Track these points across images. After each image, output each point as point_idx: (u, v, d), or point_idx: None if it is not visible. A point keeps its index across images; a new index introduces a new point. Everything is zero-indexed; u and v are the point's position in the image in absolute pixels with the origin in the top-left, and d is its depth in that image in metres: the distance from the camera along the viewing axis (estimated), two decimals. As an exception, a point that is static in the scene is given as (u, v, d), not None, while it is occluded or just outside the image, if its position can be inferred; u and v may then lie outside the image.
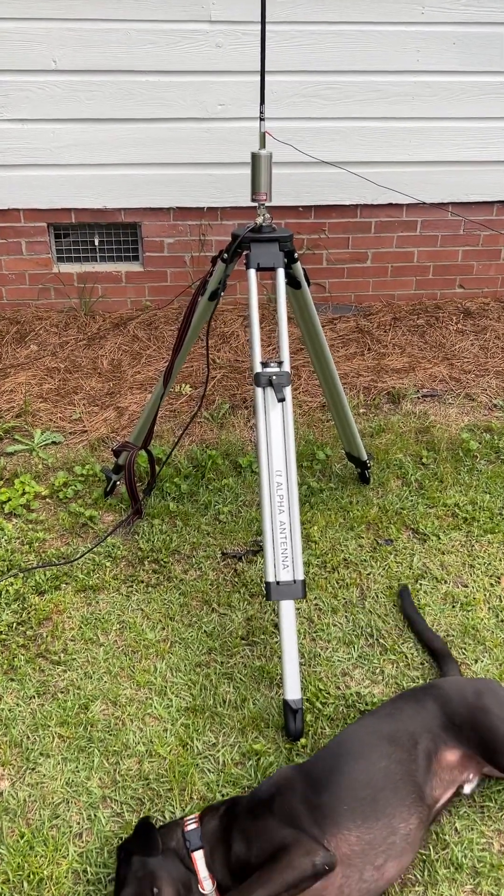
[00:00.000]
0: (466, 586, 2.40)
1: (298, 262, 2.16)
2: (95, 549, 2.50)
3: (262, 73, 2.01)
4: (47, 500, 2.76)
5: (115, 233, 4.00)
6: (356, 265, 4.17)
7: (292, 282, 2.20)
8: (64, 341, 3.80)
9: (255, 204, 2.09)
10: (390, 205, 3.98)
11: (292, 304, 2.32)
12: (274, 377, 1.99)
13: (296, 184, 3.87)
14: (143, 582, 2.40)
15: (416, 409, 3.32)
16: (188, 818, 1.61)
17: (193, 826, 1.58)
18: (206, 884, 1.51)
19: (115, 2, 3.42)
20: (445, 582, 2.41)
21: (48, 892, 1.60)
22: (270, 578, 1.95)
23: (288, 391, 2.00)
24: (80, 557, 2.47)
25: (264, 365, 2.01)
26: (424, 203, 3.96)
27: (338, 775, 1.62)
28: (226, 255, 2.10)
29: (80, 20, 3.46)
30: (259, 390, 2.00)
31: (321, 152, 3.80)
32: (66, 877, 1.63)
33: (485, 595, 2.36)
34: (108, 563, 2.46)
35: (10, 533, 2.58)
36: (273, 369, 2.01)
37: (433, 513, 2.70)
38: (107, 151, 3.73)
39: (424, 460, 2.97)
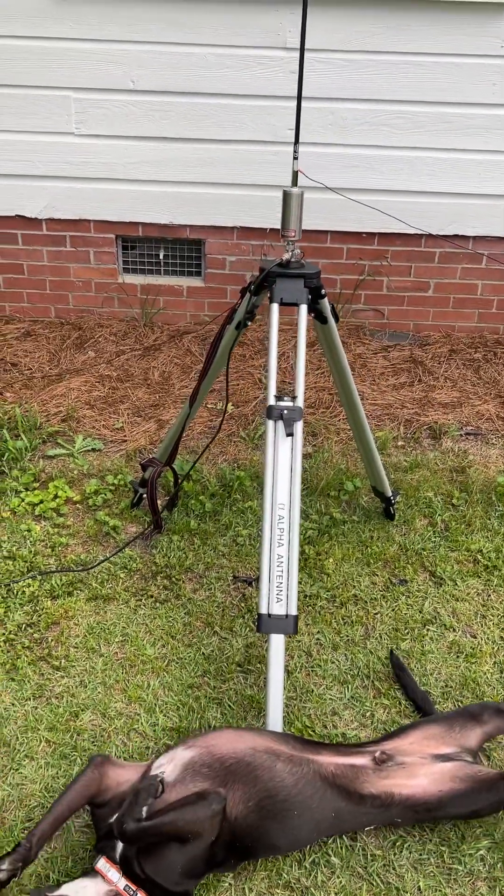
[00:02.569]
0: (475, 637, 2.35)
1: (326, 298, 2.17)
2: (112, 559, 2.58)
3: (298, 112, 2.03)
4: (77, 505, 2.86)
5: (180, 248, 4.10)
6: (417, 294, 4.13)
7: (319, 316, 2.22)
8: (120, 350, 3.92)
9: (285, 241, 2.11)
10: (456, 235, 3.92)
11: (319, 338, 2.33)
12: (286, 411, 2.01)
13: (359, 210, 3.85)
14: (152, 597, 2.46)
15: (456, 447, 3.26)
16: None
17: None
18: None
19: (195, 26, 3.51)
20: (454, 630, 2.37)
21: (10, 892, 1.67)
22: (263, 610, 1.97)
23: (299, 427, 2.01)
24: (97, 566, 2.55)
25: (278, 398, 2.04)
26: (490, 237, 3.89)
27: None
28: (252, 288, 2.14)
29: (161, 43, 3.56)
30: (270, 423, 2.02)
31: (388, 180, 3.82)
32: (29, 879, 1.69)
33: (492, 648, 2.30)
34: (122, 575, 2.53)
35: (37, 535, 2.69)
36: (286, 403, 2.03)
37: (454, 557, 2.65)
38: (177, 169, 3.82)
39: (455, 501, 2.91)
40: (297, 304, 2.08)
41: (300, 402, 2.03)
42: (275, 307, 2.07)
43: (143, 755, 1.96)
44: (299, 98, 2.02)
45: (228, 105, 3.67)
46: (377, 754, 1.79)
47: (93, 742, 1.99)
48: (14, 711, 2.06)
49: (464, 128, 3.66)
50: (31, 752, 1.96)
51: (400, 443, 3.30)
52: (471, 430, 3.38)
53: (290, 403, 2.03)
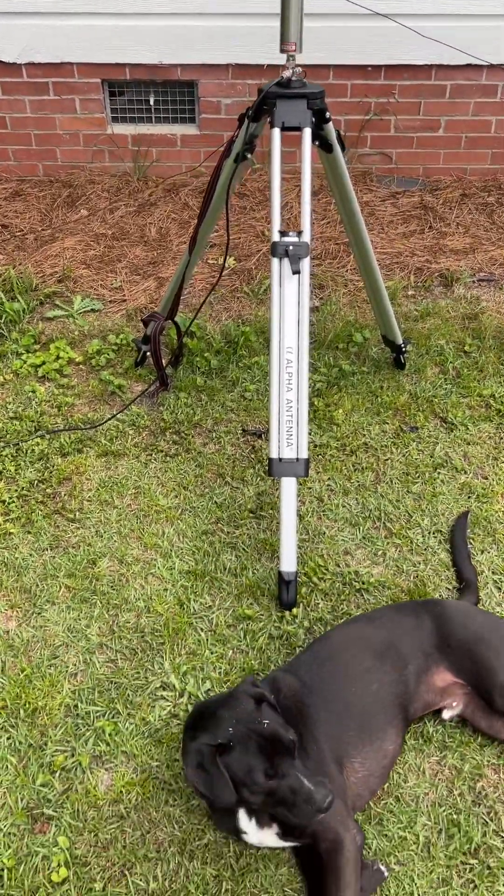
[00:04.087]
0: (487, 478, 2.35)
1: (331, 122, 2.01)
2: (120, 417, 2.55)
3: None
4: (80, 366, 2.81)
5: (171, 91, 3.81)
6: (427, 134, 3.86)
7: (324, 144, 2.06)
8: (114, 206, 3.73)
9: (285, 55, 1.92)
10: (468, 66, 3.62)
11: (325, 170, 2.18)
12: (291, 248, 1.90)
13: (364, 40, 3.55)
14: (162, 451, 2.45)
15: (469, 294, 3.14)
16: None
17: None
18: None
19: None
20: (465, 473, 2.36)
21: (41, 720, 1.75)
22: (273, 455, 1.95)
23: (306, 263, 1.92)
24: (105, 423, 2.53)
25: (283, 234, 1.93)
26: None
27: (341, 703, 1.59)
28: (250, 113, 1.97)
29: None
30: (275, 261, 1.92)
31: (392, 2, 3.46)
32: (58, 709, 1.78)
33: (504, 488, 2.31)
34: (130, 431, 2.51)
35: (42, 396, 2.65)
36: (291, 239, 1.92)
37: (466, 402, 2.61)
38: (163, -1, 3.49)
39: (467, 348, 2.84)
40: (299, 129, 1.92)
41: (306, 238, 1.92)
42: (276, 132, 1.92)
43: (161, 596, 2.01)
44: None
45: None
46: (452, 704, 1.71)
47: (112, 587, 2.04)
48: (32, 561, 2.10)
49: None
50: (51, 598, 2.01)
51: (410, 292, 3.18)
52: (484, 276, 3.25)
53: (296, 239, 1.92)
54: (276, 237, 1.92)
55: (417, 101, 3.77)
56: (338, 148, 2.07)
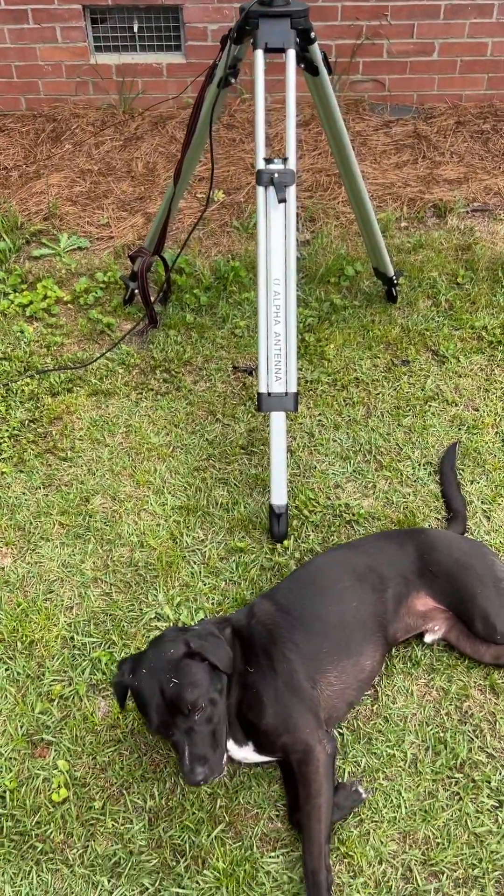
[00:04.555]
0: (477, 410, 2.35)
1: (316, 44, 1.94)
2: (109, 356, 2.53)
3: None
4: (68, 305, 2.78)
5: (155, 18, 3.67)
6: (421, 58, 3.74)
7: (309, 67, 1.99)
8: (100, 141, 3.63)
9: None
10: (464, -18, 3.47)
11: (312, 94, 2.11)
12: (276, 175, 1.86)
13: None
14: (152, 390, 2.44)
15: (462, 225, 3.09)
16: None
17: None
18: None
19: None
20: (456, 405, 2.36)
21: (38, 652, 1.80)
22: (262, 389, 1.95)
23: (292, 191, 1.87)
24: (94, 362, 2.51)
25: (268, 161, 1.88)
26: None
27: (318, 621, 1.63)
28: (233, 34, 1.90)
29: None
30: (260, 189, 1.88)
31: None
32: (55, 641, 1.82)
33: (495, 419, 2.31)
34: (120, 370, 2.50)
35: (30, 336, 2.63)
36: (277, 166, 1.87)
37: (458, 335, 2.59)
38: None
39: (460, 280, 2.80)
40: (283, 50, 1.85)
41: (292, 165, 1.87)
42: (259, 54, 1.85)
43: (154, 531, 2.03)
44: None
45: None
46: (434, 628, 1.74)
47: (105, 523, 2.06)
48: (26, 499, 2.12)
49: None
50: (45, 535, 2.03)
51: (403, 223, 3.12)
52: (478, 206, 3.18)
53: (281, 166, 1.87)
54: (260, 164, 1.87)
55: (411, 24, 3.63)
56: (324, 70, 2.00)
